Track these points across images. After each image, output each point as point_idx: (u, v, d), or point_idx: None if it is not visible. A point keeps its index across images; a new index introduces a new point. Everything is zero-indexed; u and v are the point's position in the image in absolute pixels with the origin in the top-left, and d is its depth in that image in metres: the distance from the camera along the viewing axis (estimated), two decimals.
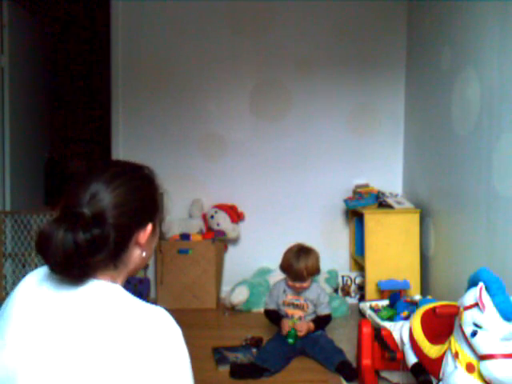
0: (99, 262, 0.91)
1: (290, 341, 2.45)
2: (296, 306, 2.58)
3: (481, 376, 1.47)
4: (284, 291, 2.61)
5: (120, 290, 0.93)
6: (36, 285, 0.94)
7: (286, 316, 2.58)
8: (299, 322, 2.52)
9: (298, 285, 2.53)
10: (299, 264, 2.47)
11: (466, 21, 2.57)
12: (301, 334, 2.47)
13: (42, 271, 0.97)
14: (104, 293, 0.91)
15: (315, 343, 2.49)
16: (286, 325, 2.51)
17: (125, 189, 0.96)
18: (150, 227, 0.99)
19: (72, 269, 0.88)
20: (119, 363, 0.83)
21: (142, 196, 0.99)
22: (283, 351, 2.44)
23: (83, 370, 0.83)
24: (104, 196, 0.93)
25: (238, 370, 2.32)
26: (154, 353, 0.85)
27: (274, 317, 2.63)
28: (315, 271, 2.54)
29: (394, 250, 3.14)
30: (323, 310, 2.58)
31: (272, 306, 2.65)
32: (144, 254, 1.00)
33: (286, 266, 2.54)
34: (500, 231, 2.22)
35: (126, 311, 0.89)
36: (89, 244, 0.87)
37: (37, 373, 0.85)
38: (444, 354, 1.64)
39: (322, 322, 2.58)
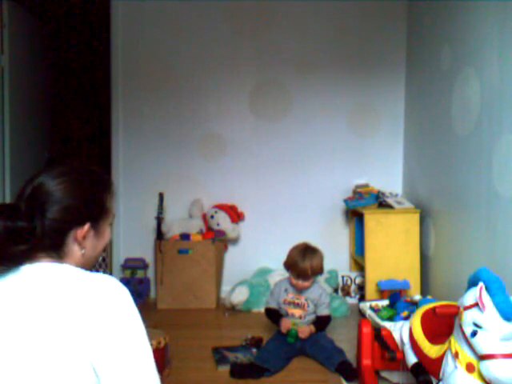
0: (30, 251, 0.94)
1: (290, 340, 2.46)
2: (296, 305, 2.58)
3: (481, 376, 1.47)
4: (285, 290, 2.62)
5: (64, 266, 0.97)
6: None
7: (286, 314, 2.59)
8: (302, 323, 2.53)
9: (300, 283, 2.53)
10: (305, 263, 2.49)
11: (466, 21, 2.57)
12: (303, 336, 2.47)
13: None
14: (47, 270, 0.95)
15: (315, 343, 2.49)
16: (287, 323, 2.52)
17: (67, 186, 1.00)
18: (86, 227, 1.01)
19: None
20: (73, 332, 0.87)
21: (85, 195, 1.03)
22: (283, 351, 2.44)
23: (42, 346, 0.87)
24: (44, 191, 0.98)
25: (238, 370, 2.32)
26: (105, 315, 0.89)
27: (275, 315, 2.63)
28: (319, 271, 2.55)
29: (394, 250, 3.14)
30: (323, 311, 2.59)
31: (273, 305, 2.65)
32: (83, 251, 1.03)
33: (290, 264, 2.55)
34: (500, 231, 2.22)
35: (71, 282, 0.93)
36: (8, 234, 0.91)
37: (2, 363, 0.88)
38: (444, 354, 1.64)
39: (322, 323, 2.58)
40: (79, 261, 1.03)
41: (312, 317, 2.59)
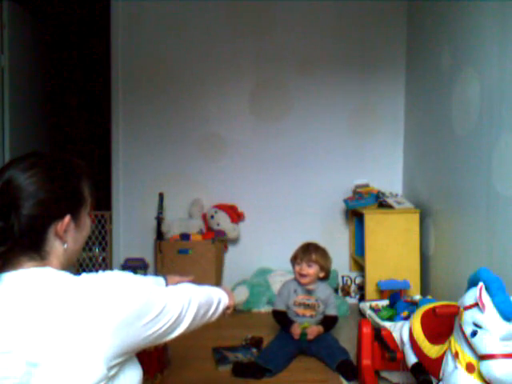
0: (9, 253, 0.90)
1: (302, 338, 2.49)
2: (307, 306, 2.57)
3: (481, 376, 1.47)
4: (295, 291, 2.60)
5: (49, 270, 0.93)
6: None
7: (296, 315, 2.58)
8: (310, 326, 2.51)
9: (304, 269, 2.52)
10: (309, 250, 2.54)
11: (466, 21, 2.57)
12: (311, 337, 2.47)
13: None
14: (32, 278, 0.91)
15: (321, 339, 2.49)
16: (297, 330, 2.50)
17: (39, 178, 0.94)
18: (67, 219, 0.97)
19: None
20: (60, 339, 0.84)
21: (59, 186, 0.97)
22: (287, 351, 2.44)
23: (39, 351, 0.84)
24: (14, 185, 0.92)
25: (240, 369, 2.30)
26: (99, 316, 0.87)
27: (283, 319, 2.60)
28: (323, 263, 2.55)
29: (394, 250, 3.14)
30: (331, 311, 2.59)
31: (281, 307, 2.62)
32: (65, 246, 0.98)
33: (295, 253, 2.58)
34: (500, 231, 2.22)
35: (57, 288, 0.89)
36: None
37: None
38: (444, 353, 1.64)
39: (329, 323, 2.58)
40: (62, 257, 0.99)
41: (321, 317, 2.59)
